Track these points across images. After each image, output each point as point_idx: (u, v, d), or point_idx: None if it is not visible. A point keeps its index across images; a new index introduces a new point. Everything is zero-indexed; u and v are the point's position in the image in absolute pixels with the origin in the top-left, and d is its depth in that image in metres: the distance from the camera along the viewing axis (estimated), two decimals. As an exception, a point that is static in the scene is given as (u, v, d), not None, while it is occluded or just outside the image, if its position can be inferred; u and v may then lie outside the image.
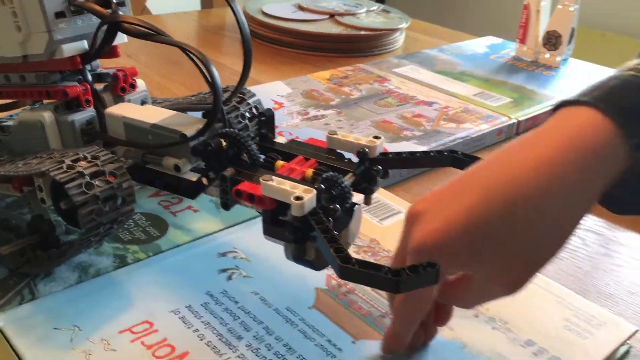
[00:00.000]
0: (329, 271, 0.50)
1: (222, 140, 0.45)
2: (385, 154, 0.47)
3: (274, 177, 0.41)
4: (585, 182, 0.35)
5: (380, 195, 0.61)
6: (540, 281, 0.50)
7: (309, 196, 0.39)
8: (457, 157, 0.46)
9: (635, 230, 0.60)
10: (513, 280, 0.38)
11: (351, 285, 0.49)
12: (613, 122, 0.35)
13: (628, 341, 0.46)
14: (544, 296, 0.49)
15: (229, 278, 0.49)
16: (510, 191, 0.36)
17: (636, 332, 0.46)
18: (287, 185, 0.40)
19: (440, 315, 0.44)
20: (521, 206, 0.35)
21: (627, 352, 0.46)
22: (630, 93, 0.35)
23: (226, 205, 0.45)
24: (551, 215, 0.36)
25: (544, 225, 0.36)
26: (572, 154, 0.35)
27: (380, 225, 0.57)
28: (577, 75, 1.01)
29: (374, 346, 0.44)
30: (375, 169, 0.45)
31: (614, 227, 0.61)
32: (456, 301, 0.41)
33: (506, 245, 0.36)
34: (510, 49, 1.14)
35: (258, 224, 0.55)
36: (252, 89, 0.58)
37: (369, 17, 1.17)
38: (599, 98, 0.36)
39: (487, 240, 0.36)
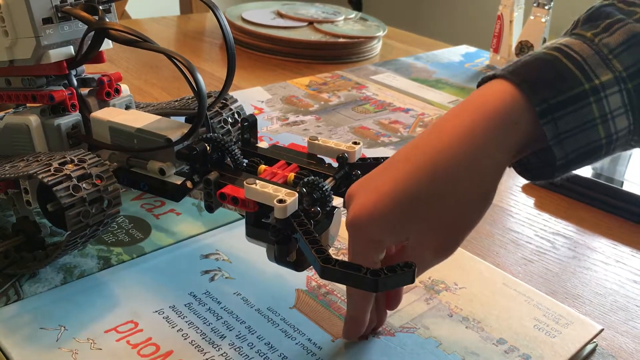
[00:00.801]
0: (309, 272, 0.51)
1: (207, 145, 0.46)
2: (363, 159, 0.48)
3: (257, 181, 0.42)
4: (498, 144, 0.38)
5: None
6: (511, 282, 0.52)
7: (291, 199, 0.40)
8: None
9: (602, 235, 0.63)
10: (442, 244, 0.40)
11: (330, 286, 0.51)
12: (520, 90, 0.38)
13: (594, 340, 0.48)
14: (514, 297, 0.51)
15: (212, 279, 0.50)
16: (431, 159, 0.38)
17: (602, 331, 0.48)
18: (270, 188, 0.41)
19: (391, 299, 0.46)
20: (442, 172, 0.38)
21: (593, 350, 0.48)
22: (539, 67, 0.39)
23: (210, 208, 0.46)
24: (470, 177, 0.38)
25: (464, 188, 0.38)
26: (485, 119, 0.38)
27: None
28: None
29: (353, 345, 0.45)
30: (354, 174, 0.47)
31: (582, 232, 0.63)
32: None
33: (432, 211, 0.39)
34: (484, 57, 1.16)
35: (239, 227, 0.57)
36: (232, 94, 0.59)
37: (347, 25, 1.19)
38: (510, 71, 0.39)
39: (413, 206, 0.38)
